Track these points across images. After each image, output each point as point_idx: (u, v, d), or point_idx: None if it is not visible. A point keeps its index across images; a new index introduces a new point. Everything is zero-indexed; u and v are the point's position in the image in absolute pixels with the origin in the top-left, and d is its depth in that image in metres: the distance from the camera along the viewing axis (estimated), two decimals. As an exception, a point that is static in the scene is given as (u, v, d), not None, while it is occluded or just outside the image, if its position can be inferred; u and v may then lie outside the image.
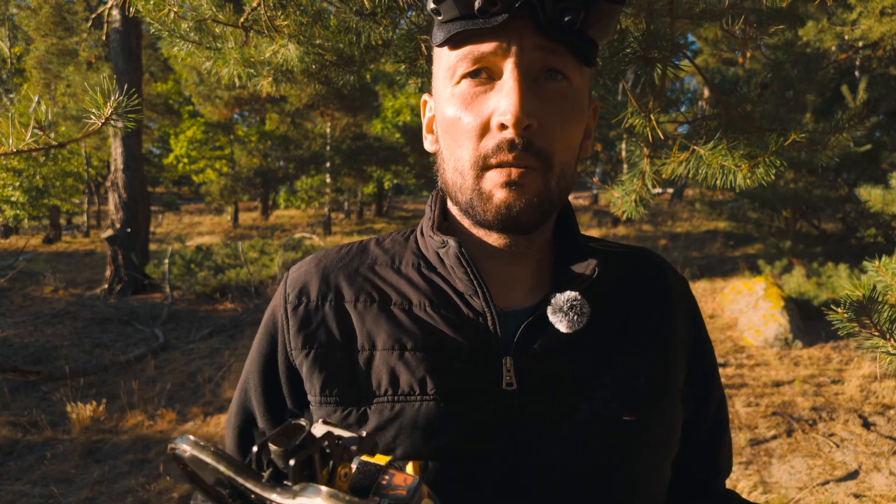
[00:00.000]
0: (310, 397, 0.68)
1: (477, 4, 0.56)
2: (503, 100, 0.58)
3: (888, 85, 6.69)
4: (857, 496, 3.05)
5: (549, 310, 0.64)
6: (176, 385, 4.77)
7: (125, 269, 7.96)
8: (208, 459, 0.40)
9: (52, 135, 0.96)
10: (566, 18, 0.57)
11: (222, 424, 4.02)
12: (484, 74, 0.60)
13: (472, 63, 0.60)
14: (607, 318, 0.69)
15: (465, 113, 0.61)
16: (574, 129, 0.62)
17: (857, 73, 8.23)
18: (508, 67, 0.58)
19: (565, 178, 0.63)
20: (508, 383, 0.63)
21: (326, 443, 0.45)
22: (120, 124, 0.95)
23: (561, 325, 0.63)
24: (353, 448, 0.47)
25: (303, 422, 0.45)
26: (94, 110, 0.94)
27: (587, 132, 0.69)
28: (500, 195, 0.60)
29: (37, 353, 5.52)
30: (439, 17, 0.61)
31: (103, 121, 0.95)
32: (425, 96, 0.73)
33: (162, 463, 3.47)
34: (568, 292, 0.64)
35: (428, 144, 0.72)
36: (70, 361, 5.22)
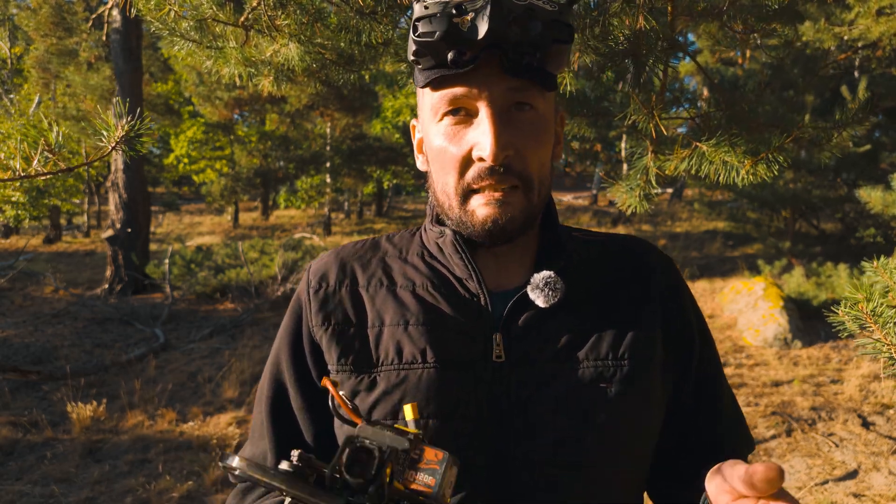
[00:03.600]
0: (329, 367, 0.78)
1: (450, 57, 0.66)
2: (481, 136, 0.68)
3: (888, 84, 6.69)
4: (856, 496, 3.05)
5: (529, 288, 0.73)
6: (176, 385, 4.77)
7: (125, 269, 7.96)
8: (262, 478, 0.48)
9: (61, 152, 0.96)
10: (525, 61, 0.67)
11: (223, 424, 4.02)
12: (463, 112, 0.70)
13: (450, 104, 0.70)
14: (587, 296, 0.77)
15: (449, 145, 0.71)
16: (545, 148, 0.73)
17: (856, 74, 8.23)
18: (483, 108, 0.68)
19: (543, 188, 0.74)
20: (498, 355, 0.72)
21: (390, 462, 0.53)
22: (129, 149, 0.95)
23: (539, 300, 0.72)
24: (405, 453, 0.55)
25: (368, 444, 0.53)
26: (104, 133, 0.95)
27: (557, 139, 0.78)
28: (485, 211, 0.71)
29: (37, 353, 5.52)
30: (419, 66, 0.70)
31: (113, 145, 0.96)
32: (414, 121, 0.83)
33: (162, 462, 3.48)
34: (544, 272, 0.73)
35: (420, 164, 0.81)
36: (70, 361, 5.22)
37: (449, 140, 0.71)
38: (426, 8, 0.66)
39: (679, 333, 0.78)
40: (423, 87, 0.72)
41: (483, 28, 0.64)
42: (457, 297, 0.76)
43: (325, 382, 0.66)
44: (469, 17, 0.65)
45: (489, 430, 0.71)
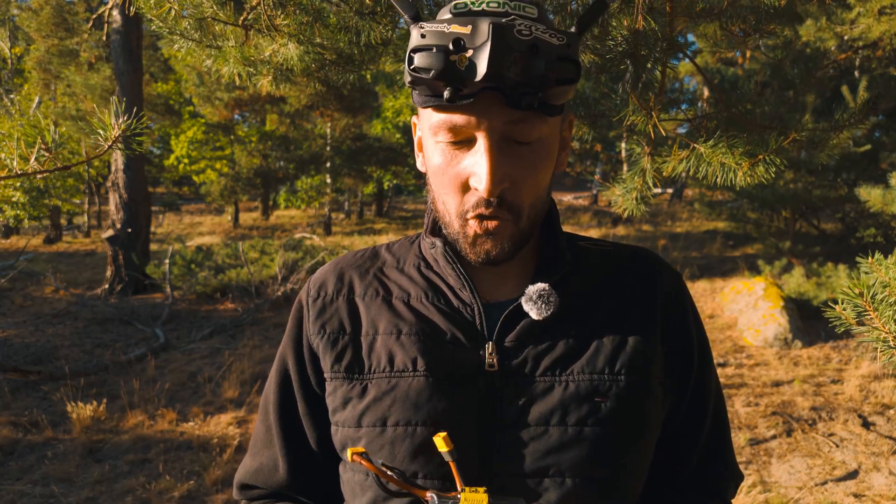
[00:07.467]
0: (325, 374, 0.80)
1: (445, 95, 0.64)
2: (478, 168, 0.67)
3: (888, 85, 6.69)
4: (856, 496, 3.05)
5: (523, 299, 0.73)
6: (176, 385, 4.77)
7: (126, 269, 7.96)
8: None
9: (58, 151, 0.96)
10: (525, 101, 0.64)
11: (223, 424, 4.03)
12: (462, 137, 0.69)
13: (449, 131, 0.68)
14: (587, 308, 0.77)
15: (448, 168, 0.70)
16: (544, 174, 0.71)
17: (856, 73, 8.23)
18: (480, 139, 0.67)
19: (535, 212, 0.73)
20: (490, 365, 0.73)
21: None
22: (126, 147, 0.95)
23: (532, 312, 0.72)
24: None
25: None
26: (101, 132, 0.95)
27: (563, 145, 0.76)
28: (480, 243, 0.71)
29: (37, 353, 5.52)
30: (416, 91, 0.69)
31: (110, 144, 0.96)
32: (415, 118, 0.80)
33: (162, 462, 3.48)
34: (538, 284, 0.74)
35: (420, 164, 0.80)
36: (70, 361, 5.22)
37: (447, 162, 0.70)
38: (423, 37, 0.64)
39: (679, 353, 0.78)
40: (422, 108, 0.71)
41: (482, 69, 0.61)
42: (450, 307, 0.77)
43: (356, 458, 0.67)
44: (468, 55, 0.62)
45: (479, 440, 0.71)
